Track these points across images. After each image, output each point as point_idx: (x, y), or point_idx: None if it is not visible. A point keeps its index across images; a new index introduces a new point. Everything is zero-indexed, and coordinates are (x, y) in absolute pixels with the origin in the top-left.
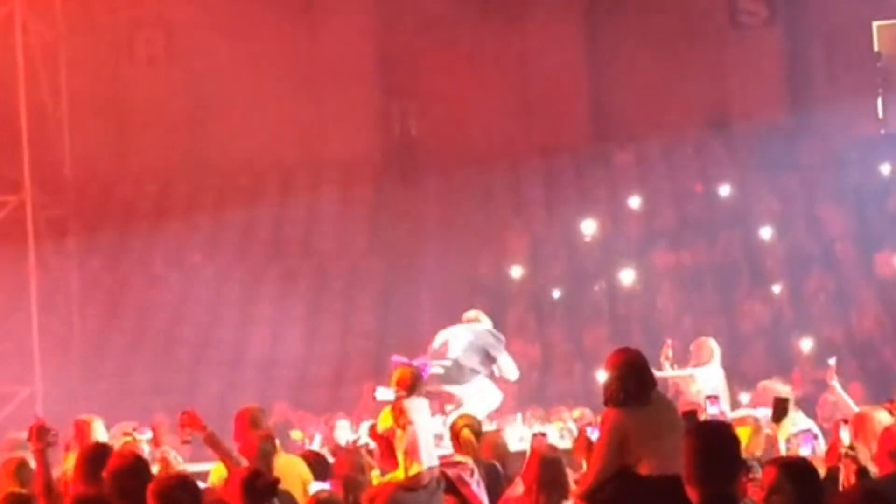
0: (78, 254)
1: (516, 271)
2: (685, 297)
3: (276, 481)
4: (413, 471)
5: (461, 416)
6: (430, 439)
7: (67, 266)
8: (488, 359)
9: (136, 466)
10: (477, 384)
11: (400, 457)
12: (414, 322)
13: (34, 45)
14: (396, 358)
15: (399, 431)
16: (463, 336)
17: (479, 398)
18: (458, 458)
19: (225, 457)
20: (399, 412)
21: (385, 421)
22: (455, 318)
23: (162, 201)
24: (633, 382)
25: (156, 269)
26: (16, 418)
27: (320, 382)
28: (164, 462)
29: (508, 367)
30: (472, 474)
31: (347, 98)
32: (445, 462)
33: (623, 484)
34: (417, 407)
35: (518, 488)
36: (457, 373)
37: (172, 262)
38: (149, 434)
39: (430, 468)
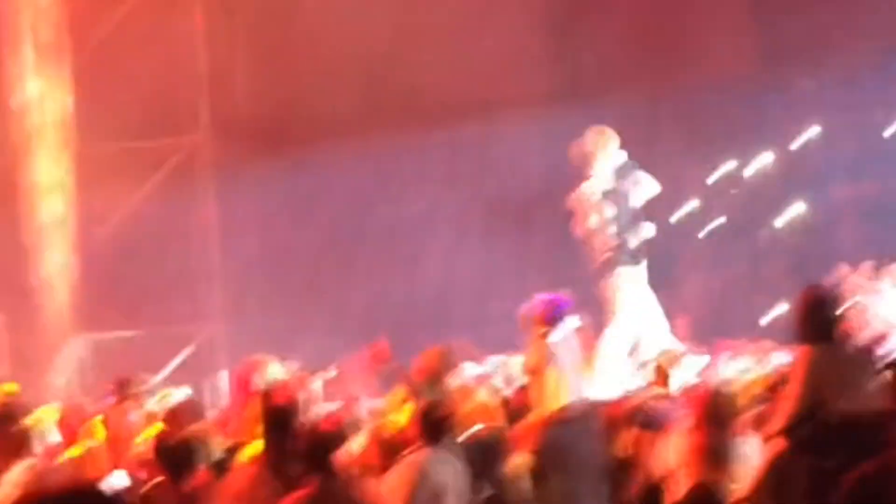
0: (256, 194)
1: (692, 205)
2: (866, 231)
3: (453, 414)
4: (560, 405)
5: (663, 352)
6: (578, 373)
7: (246, 206)
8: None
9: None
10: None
11: (548, 392)
12: None
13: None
14: (539, 295)
15: (546, 368)
16: None
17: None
18: (659, 390)
19: (412, 390)
20: (542, 348)
21: (531, 357)
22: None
23: (339, 141)
24: (823, 319)
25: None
26: (198, 357)
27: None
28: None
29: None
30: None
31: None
32: (648, 396)
33: (820, 422)
34: (560, 341)
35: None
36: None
37: (351, 202)
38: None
39: (579, 401)
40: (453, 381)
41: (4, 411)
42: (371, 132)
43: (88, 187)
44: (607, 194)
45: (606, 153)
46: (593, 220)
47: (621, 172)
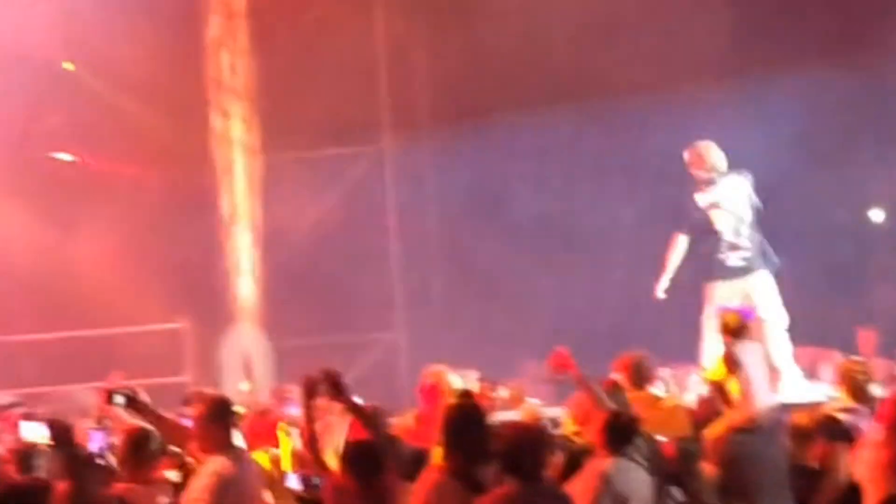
0: (436, 201)
1: (877, 214)
2: None
3: (637, 421)
4: (748, 414)
5: (850, 361)
6: (764, 382)
7: (428, 214)
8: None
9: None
10: None
11: (735, 401)
12: None
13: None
14: (722, 305)
15: (731, 377)
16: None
17: None
18: (850, 403)
19: (595, 397)
20: (728, 358)
21: (717, 370)
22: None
23: (524, 148)
24: None
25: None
26: (380, 366)
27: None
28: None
29: None
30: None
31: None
32: (839, 408)
33: None
34: (746, 351)
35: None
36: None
37: (535, 210)
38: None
39: (766, 411)
40: (641, 389)
41: (216, 407)
42: (556, 136)
43: (273, 196)
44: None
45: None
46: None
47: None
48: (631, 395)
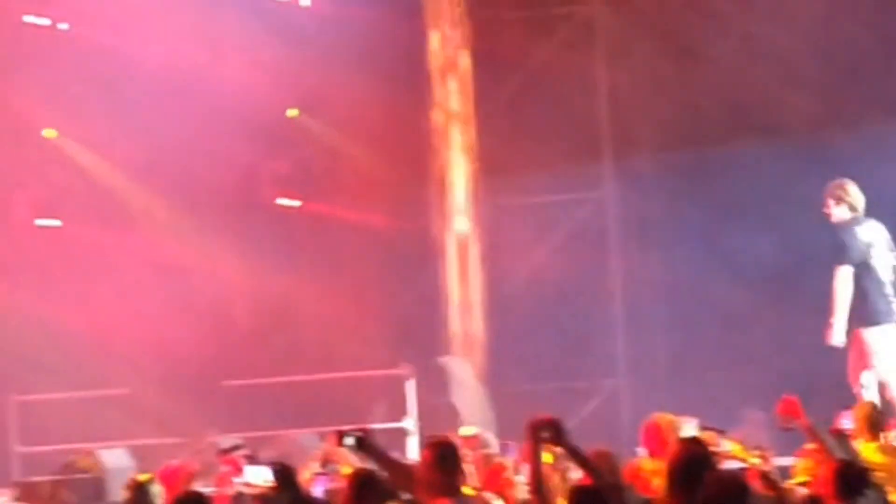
0: (663, 249)
1: None
2: None
3: (867, 472)
4: None
5: None
6: None
7: (652, 262)
8: None
9: None
10: None
11: None
12: None
13: (614, 44)
14: None
15: None
16: None
17: None
18: None
19: (825, 446)
20: None
21: None
22: None
23: (754, 196)
24: None
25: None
26: (602, 412)
27: None
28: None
29: None
30: None
31: None
32: None
33: None
34: None
35: None
36: None
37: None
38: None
39: None
40: (875, 438)
41: (442, 452)
42: (777, 177)
43: (498, 242)
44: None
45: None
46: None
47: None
48: (864, 444)
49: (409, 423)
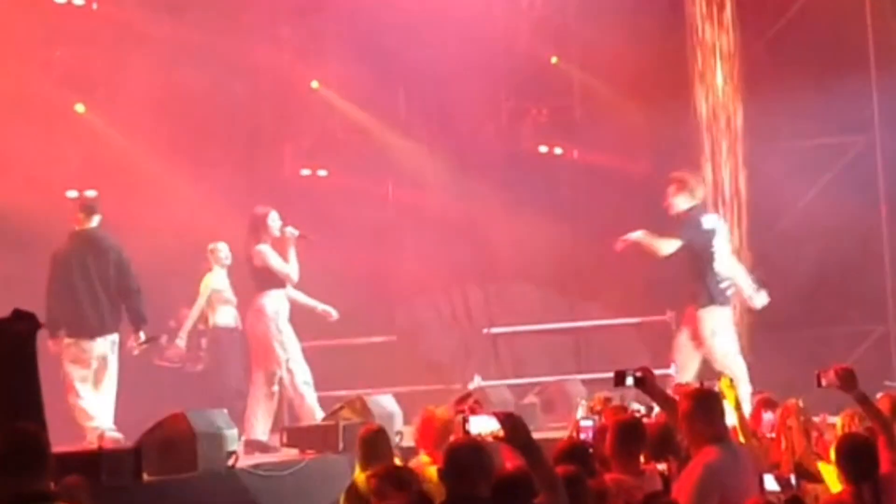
0: None
1: None
2: None
3: None
4: None
5: None
6: None
7: None
8: None
9: None
10: None
11: None
12: None
13: None
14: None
15: None
16: None
17: None
18: None
19: None
20: None
21: None
22: None
23: None
24: None
25: None
26: (869, 357)
27: None
28: None
29: None
30: None
31: None
32: None
33: None
34: None
35: None
36: None
37: None
38: None
39: None
40: None
41: (702, 400)
42: None
43: (758, 185)
44: None
45: None
46: None
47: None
48: None
49: (674, 370)
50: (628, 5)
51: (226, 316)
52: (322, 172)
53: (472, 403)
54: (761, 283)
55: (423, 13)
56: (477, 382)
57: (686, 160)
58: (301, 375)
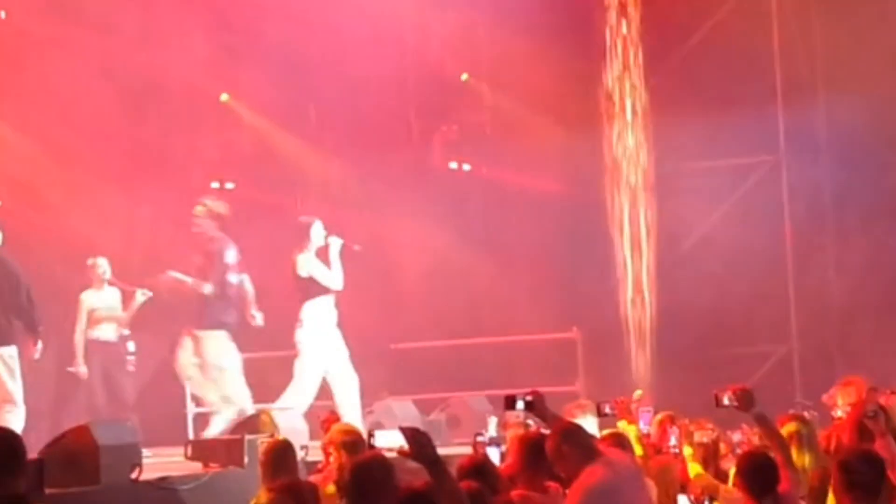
0: (831, 214)
1: None
2: None
3: None
4: None
5: None
6: None
7: (822, 225)
8: None
9: None
10: None
11: None
12: None
13: (787, 7)
14: None
15: None
16: None
17: None
18: None
19: None
20: None
21: None
22: None
23: None
24: None
25: None
26: (772, 377)
27: None
28: None
29: None
30: None
31: None
32: None
33: None
34: None
35: None
36: None
37: None
38: None
39: None
40: None
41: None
42: None
43: (666, 207)
44: None
45: None
46: None
47: None
48: None
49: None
50: (539, 23)
51: (106, 331)
52: (230, 185)
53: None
54: None
55: (333, 27)
56: (383, 399)
57: (595, 178)
58: (338, 386)
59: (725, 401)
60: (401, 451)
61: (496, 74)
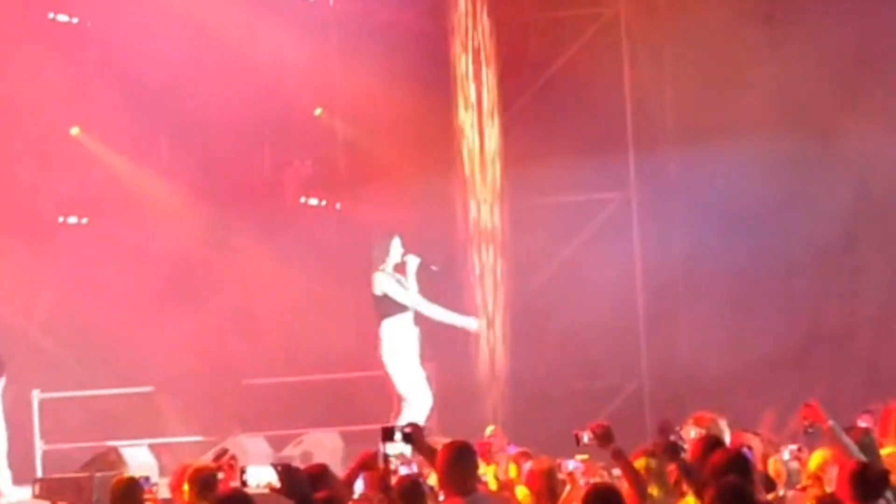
0: (683, 248)
1: None
2: None
3: (886, 474)
4: None
5: None
6: None
7: (672, 260)
8: None
9: None
10: None
11: None
12: None
13: (638, 44)
14: None
15: None
16: None
17: None
18: None
19: (845, 451)
20: None
21: None
22: None
23: (769, 192)
24: None
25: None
26: (622, 412)
27: None
28: None
29: None
30: None
31: None
32: None
33: None
34: None
35: None
36: None
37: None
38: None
39: None
40: None
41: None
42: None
43: (519, 239)
44: None
45: None
46: None
47: None
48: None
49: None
50: (393, 59)
51: None
52: (83, 220)
53: (228, 459)
54: None
55: (186, 62)
56: (235, 435)
57: (449, 213)
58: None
59: (585, 439)
60: (272, 488)
61: (350, 109)
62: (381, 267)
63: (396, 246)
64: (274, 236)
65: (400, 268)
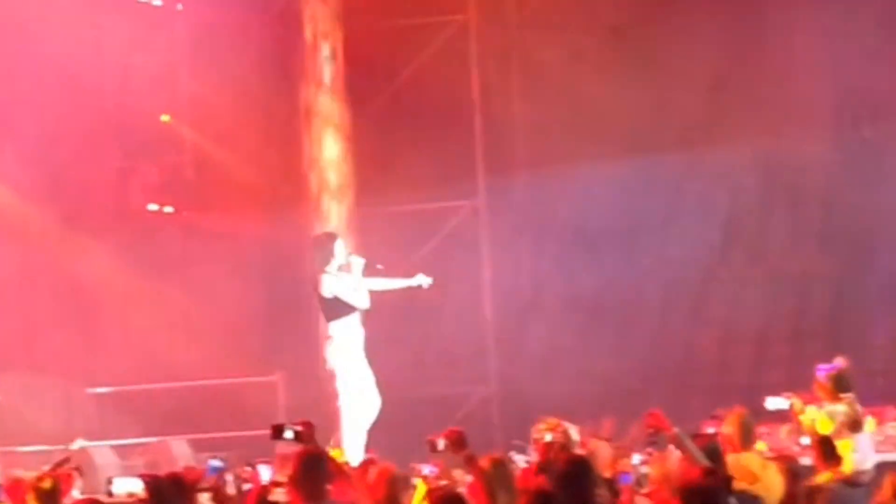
0: (530, 256)
1: None
2: None
3: (729, 480)
4: (853, 469)
5: None
6: (869, 442)
7: (520, 268)
8: None
9: None
10: None
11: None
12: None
13: (488, 54)
14: (821, 366)
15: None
16: None
17: None
18: None
19: (690, 457)
20: (834, 413)
21: (824, 426)
22: None
23: (614, 201)
24: None
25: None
26: (472, 419)
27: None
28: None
29: None
30: None
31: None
32: None
33: None
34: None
35: None
36: None
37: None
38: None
39: (869, 468)
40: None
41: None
42: (649, 193)
43: (369, 247)
44: None
45: None
46: None
47: None
48: (738, 453)
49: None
50: (241, 66)
51: None
52: None
53: (71, 468)
54: None
55: (31, 65)
56: (79, 444)
57: (297, 221)
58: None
59: (440, 445)
60: (139, 499)
61: (197, 116)
62: (326, 269)
63: (340, 247)
64: (121, 243)
65: (344, 269)
